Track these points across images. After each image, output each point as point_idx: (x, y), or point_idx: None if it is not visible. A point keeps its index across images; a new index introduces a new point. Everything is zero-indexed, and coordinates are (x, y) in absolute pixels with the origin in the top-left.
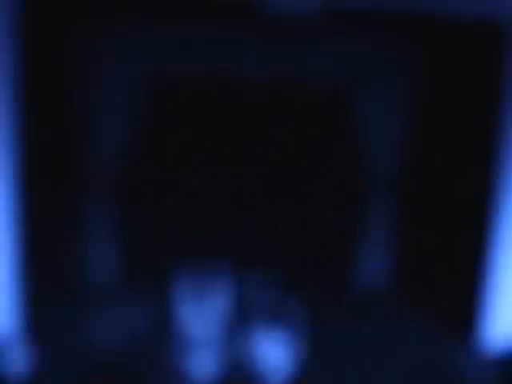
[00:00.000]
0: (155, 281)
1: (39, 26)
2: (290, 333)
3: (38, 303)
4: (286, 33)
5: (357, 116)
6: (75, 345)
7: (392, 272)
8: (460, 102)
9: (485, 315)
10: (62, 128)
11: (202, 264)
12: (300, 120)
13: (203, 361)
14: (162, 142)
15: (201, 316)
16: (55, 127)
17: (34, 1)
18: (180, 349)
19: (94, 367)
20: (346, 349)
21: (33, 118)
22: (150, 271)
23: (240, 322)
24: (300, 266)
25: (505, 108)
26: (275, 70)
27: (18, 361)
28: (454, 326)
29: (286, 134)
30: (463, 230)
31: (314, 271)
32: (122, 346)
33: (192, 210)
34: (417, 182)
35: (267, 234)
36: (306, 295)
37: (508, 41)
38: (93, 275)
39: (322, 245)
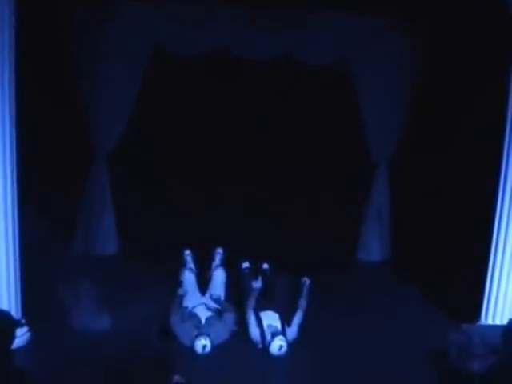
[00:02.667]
0: (156, 259)
1: None
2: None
3: (35, 281)
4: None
5: (358, 91)
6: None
7: (394, 250)
8: (462, 78)
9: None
10: (62, 101)
11: (202, 243)
12: (298, 94)
13: (204, 338)
14: (161, 115)
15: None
16: (54, 99)
17: None
18: (182, 326)
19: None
20: (350, 323)
21: (32, 90)
22: (151, 249)
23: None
24: (302, 246)
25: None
26: (275, 44)
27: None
28: (455, 304)
29: (283, 112)
30: (469, 208)
31: (317, 249)
32: (122, 324)
33: (195, 186)
34: (419, 160)
35: (268, 214)
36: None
37: None
38: (92, 251)
39: (325, 222)
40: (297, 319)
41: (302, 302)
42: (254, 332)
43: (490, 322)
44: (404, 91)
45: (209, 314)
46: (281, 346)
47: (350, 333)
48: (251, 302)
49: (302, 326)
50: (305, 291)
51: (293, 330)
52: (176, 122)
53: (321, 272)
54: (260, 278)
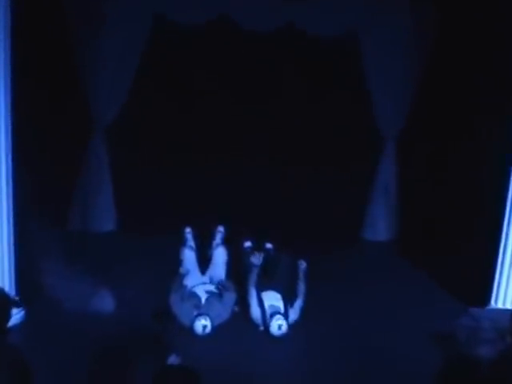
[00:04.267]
0: (155, 236)
1: None
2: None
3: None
4: None
5: (366, 63)
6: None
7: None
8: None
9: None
10: (60, 72)
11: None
12: (305, 66)
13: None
14: (162, 89)
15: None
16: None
17: None
18: (181, 305)
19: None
20: (354, 304)
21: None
22: (150, 226)
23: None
24: (306, 224)
25: None
26: (279, 13)
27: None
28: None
29: (287, 86)
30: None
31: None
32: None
33: (196, 162)
34: (427, 136)
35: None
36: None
37: None
38: (89, 228)
39: (330, 201)
40: (298, 302)
41: (301, 286)
42: (255, 312)
43: (500, 305)
44: (414, 66)
45: (209, 293)
46: (280, 326)
47: (353, 314)
48: (252, 280)
49: (304, 308)
50: (301, 275)
51: (295, 311)
52: (177, 96)
53: (325, 251)
54: (261, 254)
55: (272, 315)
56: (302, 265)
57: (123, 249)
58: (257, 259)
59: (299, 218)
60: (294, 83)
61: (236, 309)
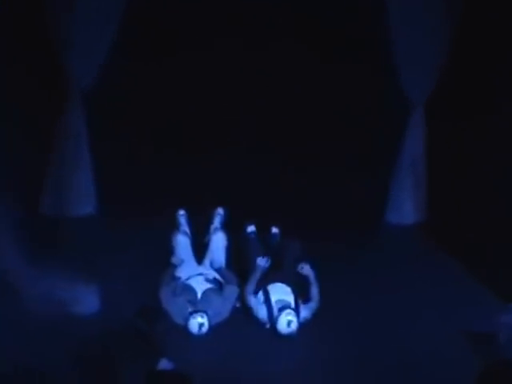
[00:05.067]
0: (142, 220)
1: None
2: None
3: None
4: None
5: (392, 21)
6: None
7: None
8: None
9: None
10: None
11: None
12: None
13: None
14: (149, 53)
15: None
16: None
17: None
18: (174, 301)
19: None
20: (375, 298)
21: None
22: (136, 209)
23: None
24: (320, 206)
25: None
26: None
27: None
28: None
29: (298, 47)
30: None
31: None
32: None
33: (189, 134)
34: (461, 103)
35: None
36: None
37: None
38: (64, 212)
39: (348, 178)
40: (312, 303)
41: (314, 291)
42: (260, 309)
43: None
44: (445, 22)
45: (206, 286)
46: (289, 322)
47: (376, 311)
48: (255, 278)
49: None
50: (311, 279)
51: (308, 308)
52: (167, 62)
53: (342, 238)
54: (269, 258)
55: (281, 310)
56: (304, 268)
57: (105, 235)
58: (264, 262)
59: (311, 198)
60: (306, 43)
61: (238, 304)
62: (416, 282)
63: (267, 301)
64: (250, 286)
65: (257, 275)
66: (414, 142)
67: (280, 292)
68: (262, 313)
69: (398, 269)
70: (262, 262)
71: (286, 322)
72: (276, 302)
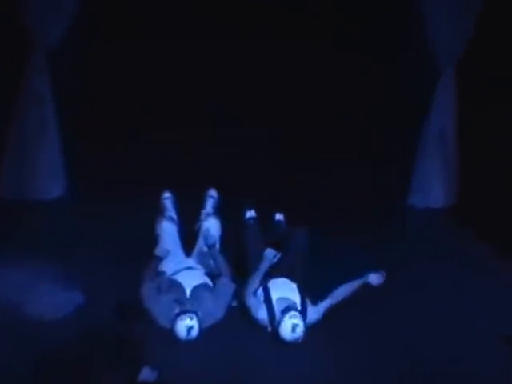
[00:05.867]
0: (119, 204)
1: None
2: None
3: None
4: None
5: None
6: None
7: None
8: None
9: None
10: None
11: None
12: None
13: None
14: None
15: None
16: None
17: None
18: (158, 300)
19: None
20: (398, 297)
21: None
22: (112, 191)
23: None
24: (331, 188)
25: None
26: None
27: None
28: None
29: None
30: None
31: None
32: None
33: (176, 102)
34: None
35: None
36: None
37: None
38: (28, 194)
39: (364, 154)
40: (325, 302)
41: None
42: (260, 310)
43: None
44: None
45: (196, 282)
46: (294, 327)
47: (397, 310)
48: (259, 273)
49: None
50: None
51: (317, 310)
52: (145, 22)
53: (357, 225)
54: (278, 253)
55: (284, 312)
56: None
57: (76, 223)
58: (272, 255)
59: (321, 179)
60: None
61: (234, 303)
62: (444, 275)
63: (267, 300)
64: (253, 285)
65: (261, 271)
66: (442, 111)
67: (283, 289)
68: (261, 314)
69: (422, 259)
70: (270, 254)
71: (291, 326)
72: (278, 300)
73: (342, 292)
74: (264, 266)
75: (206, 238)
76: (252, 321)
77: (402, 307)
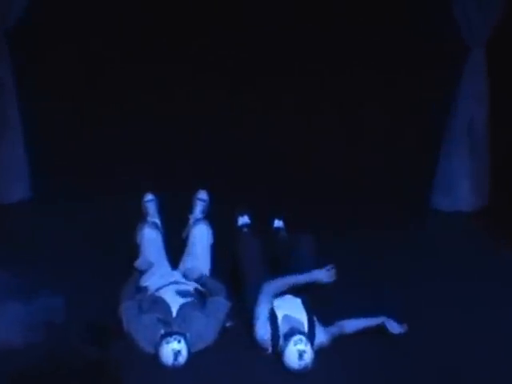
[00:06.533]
0: (92, 207)
1: None
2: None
3: None
4: None
5: None
6: None
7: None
8: None
9: None
10: None
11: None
12: None
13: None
14: None
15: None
16: None
17: None
18: (140, 320)
19: None
20: (420, 312)
21: None
22: (84, 193)
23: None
24: (340, 187)
25: None
26: None
27: None
28: None
29: None
30: None
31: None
32: None
33: (158, 89)
34: None
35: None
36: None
37: None
38: None
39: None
40: (334, 328)
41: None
42: (263, 329)
43: None
44: None
45: (184, 299)
46: (301, 354)
47: (420, 325)
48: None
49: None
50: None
51: (327, 331)
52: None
53: (371, 231)
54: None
55: (288, 336)
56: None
57: (42, 228)
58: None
59: (329, 178)
60: None
61: (228, 324)
62: (473, 286)
63: (272, 318)
64: (264, 308)
65: (277, 288)
66: (470, 99)
67: (289, 307)
68: (263, 334)
69: (448, 270)
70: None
71: (297, 353)
72: (283, 318)
73: (354, 325)
74: (282, 284)
75: (186, 277)
76: (249, 342)
77: (426, 325)
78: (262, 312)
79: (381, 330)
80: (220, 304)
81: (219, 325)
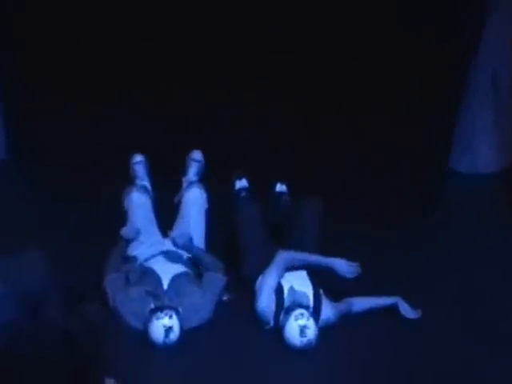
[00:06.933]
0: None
1: None
2: None
3: None
4: None
5: None
6: None
7: None
8: None
9: None
10: None
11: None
12: None
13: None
14: None
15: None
16: None
17: None
18: (127, 293)
19: None
20: (435, 286)
21: None
22: (65, 151)
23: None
24: (349, 149)
25: None
26: None
27: None
28: None
29: None
30: None
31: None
32: None
33: (148, 40)
34: None
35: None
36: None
37: None
38: None
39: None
40: (343, 305)
41: None
42: (266, 301)
43: None
44: None
45: (176, 270)
46: (303, 329)
47: (434, 297)
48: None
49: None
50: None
51: (334, 307)
52: None
53: (385, 197)
54: None
55: (289, 310)
56: None
57: (20, 190)
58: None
59: (336, 138)
60: None
61: (226, 297)
62: (495, 258)
63: (278, 290)
64: (272, 279)
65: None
66: (494, 52)
67: (293, 279)
68: (264, 306)
69: (468, 237)
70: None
71: (298, 329)
72: (288, 291)
73: (364, 304)
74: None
75: (175, 243)
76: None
77: (441, 295)
78: (268, 283)
79: (393, 311)
80: (216, 278)
81: (215, 299)
